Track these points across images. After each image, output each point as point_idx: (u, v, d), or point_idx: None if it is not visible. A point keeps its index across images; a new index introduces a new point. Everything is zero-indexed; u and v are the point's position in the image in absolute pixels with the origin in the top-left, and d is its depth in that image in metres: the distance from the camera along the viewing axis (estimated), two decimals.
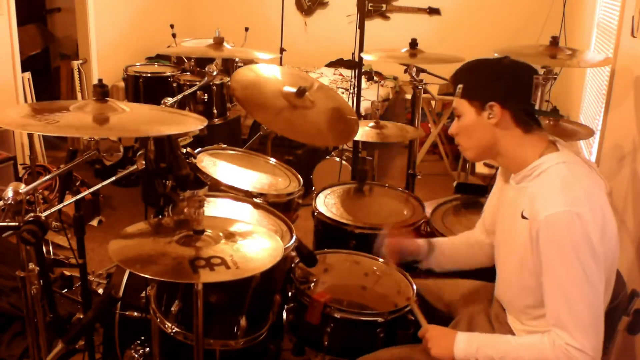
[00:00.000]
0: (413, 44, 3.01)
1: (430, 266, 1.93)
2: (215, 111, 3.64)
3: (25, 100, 4.31)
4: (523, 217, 1.51)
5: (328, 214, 2.33)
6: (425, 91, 3.11)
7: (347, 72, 5.58)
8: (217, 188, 2.08)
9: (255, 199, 2.08)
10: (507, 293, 1.69)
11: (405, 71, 3.14)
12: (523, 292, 1.58)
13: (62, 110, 1.55)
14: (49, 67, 5.84)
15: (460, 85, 1.59)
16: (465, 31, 5.62)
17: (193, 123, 1.67)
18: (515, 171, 1.59)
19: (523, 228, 1.51)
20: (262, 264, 1.43)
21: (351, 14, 5.25)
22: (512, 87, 1.55)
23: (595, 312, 1.42)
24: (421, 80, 3.07)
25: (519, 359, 1.48)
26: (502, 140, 1.57)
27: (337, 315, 1.77)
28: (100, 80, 1.67)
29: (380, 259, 2.07)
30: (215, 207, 2.01)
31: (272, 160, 2.52)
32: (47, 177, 1.78)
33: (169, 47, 4.63)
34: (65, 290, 2.86)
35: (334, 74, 5.68)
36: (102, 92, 1.62)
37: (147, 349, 1.88)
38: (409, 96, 5.72)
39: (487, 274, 2.03)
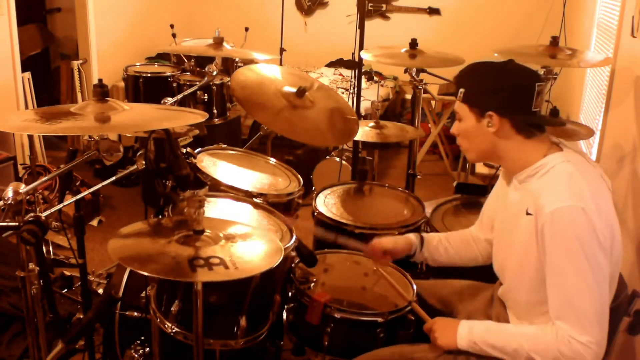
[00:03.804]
0: (413, 44, 3.01)
1: (423, 260, 1.94)
2: (215, 111, 3.64)
3: (25, 101, 4.32)
4: (528, 214, 1.51)
5: (328, 214, 2.32)
6: (425, 91, 3.11)
7: (347, 72, 5.58)
8: (217, 188, 2.08)
9: (255, 199, 2.08)
10: (511, 292, 1.69)
11: (405, 71, 3.14)
12: (527, 289, 1.58)
13: (64, 115, 1.55)
14: (49, 67, 5.84)
15: (462, 90, 1.59)
16: (465, 31, 5.62)
17: (194, 118, 1.67)
18: (518, 172, 1.59)
19: (527, 225, 1.51)
20: (261, 266, 1.43)
21: (351, 14, 5.24)
22: (511, 97, 1.54)
23: (600, 306, 1.42)
24: (421, 80, 3.07)
25: (520, 349, 1.49)
26: (502, 147, 1.58)
27: (337, 315, 1.77)
28: (100, 80, 1.67)
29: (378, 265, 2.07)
30: (215, 207, 2.01)
31: (272, 160, 2.52)
32: (47, 177, 1.78)
33: (169, 47, 4.62)
34: (65, 290, 2.86)
35: (334, 74, 5.68)
36: (102, 92, 1.62)
37: (147, 349, 1.88)
38: (409, 96, 5.73)
39: (485, 274, 2.03)
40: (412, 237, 1.92)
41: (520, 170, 1.57)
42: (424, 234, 1.95)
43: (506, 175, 1.71)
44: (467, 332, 1.58)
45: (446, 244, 1.92)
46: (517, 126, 1.55)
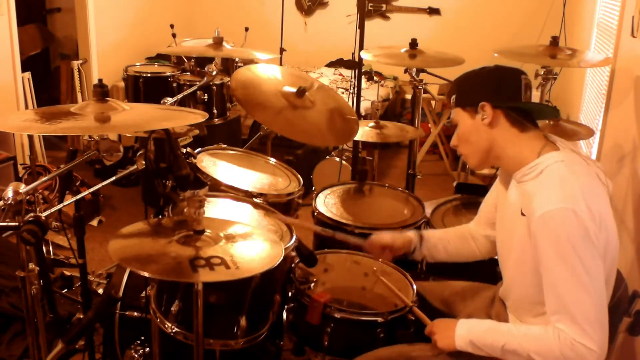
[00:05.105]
0: (413, 44, 3.01)
1: (422, 258, 1.95)
2: (215, 111, 3.64)
3: (25, 101, 4.32)
4: (522, 214, 1.52)
5: (328, 214, 2.33)
6: (425, 91, 3.11)
7: (347, 72, 5.58)
8: (217, 188, 2.08)
9: (255, 199, 2.08)
10: (510, 291, 1.70)
11: (405, 71, 3.14)
12: (524, 289, 1.59)
13: (64, 115, 1.55)
14: (49, 67, 5.84)
15: (453, 96, 1.67)
16: (465, 31, 5.62)
17: (194, 118, 1.67)
18: (512, 170, 1.60)
19: (522, 225, 1.52)
20: (262, 265, 1.43)
21: (351, 14, 5.25)
22: (498, 87, 1.60)
23: (599, 307, 1.42)
24: (421, 80, 3.07)
25: (520, 349, 1.48)
26: (498, 141, 1.60)
27: (337, 315, 1.77)
28: (100, 80, 1.67)
29: (380, 259, 2.07)
30: (215, 207, 2.01)
31: (272, 160, 2.52)
32: (47, 177, 1.78)
33: (169, 47, 4.63)
34: (65, 290, 2.86)
35: (334, 74, 5.68)
36: (102, 92, 1.62)
37: (147, 349, 1.88)
38: (409, 96, 5.73)
39: (485, 275, 2.03)
40: (411, 235, 1.93)
41: (517, 169, 1.58)
42: (423, 232, 1.96)
43: (505, 175, 1.72)
44: (466, 332, 1.58)
45: (445, 242, 1.93)
46: (510, 117, 1.58)
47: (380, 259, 1.98)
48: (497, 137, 1.59)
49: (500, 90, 1.60)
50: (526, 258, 1.53)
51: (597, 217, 1.43)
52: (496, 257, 2.09)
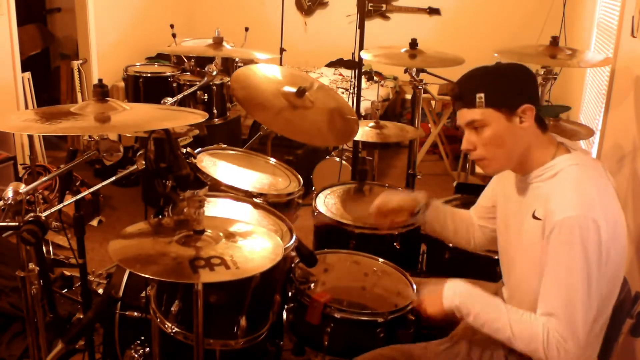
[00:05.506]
0: (413, 44, 3.01)
1: (423, 224, 1.96)
2: (215, 111, 3.64)
3: (25, 101, 4.32)
4: (535, 217, 1.50)
5: (328, 214, 2.32)
6: (425, 91, 3.11)
7: (347, 72, 5.58)
8: (217, 188, 2.08)
9: (255, 199, 2.08)
10: (514, 292, 1.69)
11: (405, 71, 3.14)
12: (529, 292, 1.58)
13: (64, 115, 1.55)
14: (49, 67, 5.84)
15: (480, 95, 1.50)
16: (465, 31, 5.62)
17: (194, 118, 1.67)
18: (527, 172, 1.57)
19: (534, 228, 1.50)
20: (262, 264, 1.43)
21: (351, 14, 5.25)
22: (531, 88, 1.55)
23: (590, 314, 1.43)
24: (421, 80, 3.07)
25: (504, 329, 1.49)
26: (529, 144, 1.54)
27: (337, 315, 1.77)
28: (100, 80, 1.67)
29: (380, 259, 2.07)
30: (215, 207, 2.01)
31: (272, 160, 2.52)
32: (47, 177, 1.78)
33: (169, 46, 4.63)
34: (65, 290, 2.86)
35: (334, 74, 5.68)
36: (102, 92, 1.62)
37: (147, 349, 1.88)
38: (409, 96, 5.73)
39: (487, 276, 2.03)
40: (419, 197, 1.93)
41: (530, 170, 1.56)
42: (432, 200, 1.95)
43: (509, 175, 1.69)
44: (453, 292, 1.60)
45: (449, 218, 1.93)
46: (538, 119, 1.53)
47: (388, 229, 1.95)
48: (527, 140, 1.53)
49: (533, 91, 1.54)
50: (535, 261, 1.51)
51: (612, 225, 1.43)
52: (496, 258, 2.10)
